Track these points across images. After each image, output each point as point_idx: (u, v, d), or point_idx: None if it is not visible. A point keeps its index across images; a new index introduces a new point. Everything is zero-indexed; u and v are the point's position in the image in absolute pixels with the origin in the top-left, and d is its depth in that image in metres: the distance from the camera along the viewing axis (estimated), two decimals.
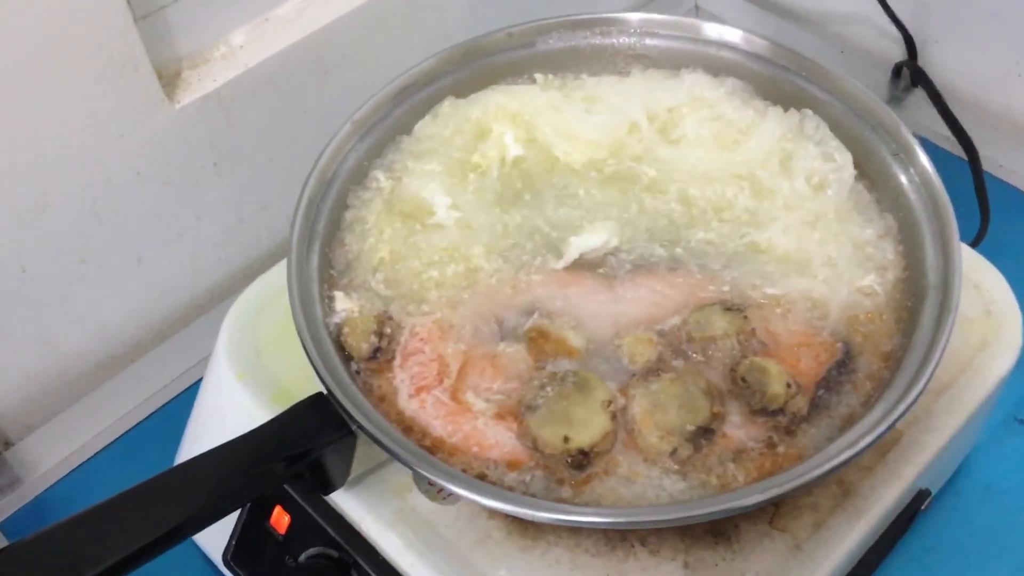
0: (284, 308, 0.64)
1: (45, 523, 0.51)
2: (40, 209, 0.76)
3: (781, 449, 0.58)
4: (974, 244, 0.86)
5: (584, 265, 0.66)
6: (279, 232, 0.95)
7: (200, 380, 0.75)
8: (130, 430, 0.85)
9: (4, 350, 0.81)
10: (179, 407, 0.85)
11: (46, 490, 0.82)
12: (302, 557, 0.63)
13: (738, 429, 0.58)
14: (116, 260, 0.84)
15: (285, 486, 0.63)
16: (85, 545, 0.52)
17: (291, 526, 0.64)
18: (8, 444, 0.85)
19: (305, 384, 0.63)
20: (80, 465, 0.84)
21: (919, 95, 1.04)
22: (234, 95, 0.83)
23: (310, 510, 0.62)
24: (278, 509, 0.65)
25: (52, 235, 0.78)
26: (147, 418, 0.86)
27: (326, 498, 0.62)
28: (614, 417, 0.58)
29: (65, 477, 0.83)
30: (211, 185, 0.87)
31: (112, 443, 0.85)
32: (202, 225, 0.88)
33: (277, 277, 0.72)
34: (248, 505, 0.67)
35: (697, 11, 1.21)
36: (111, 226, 0.81)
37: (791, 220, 0.66)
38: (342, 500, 0.63)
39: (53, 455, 0.84)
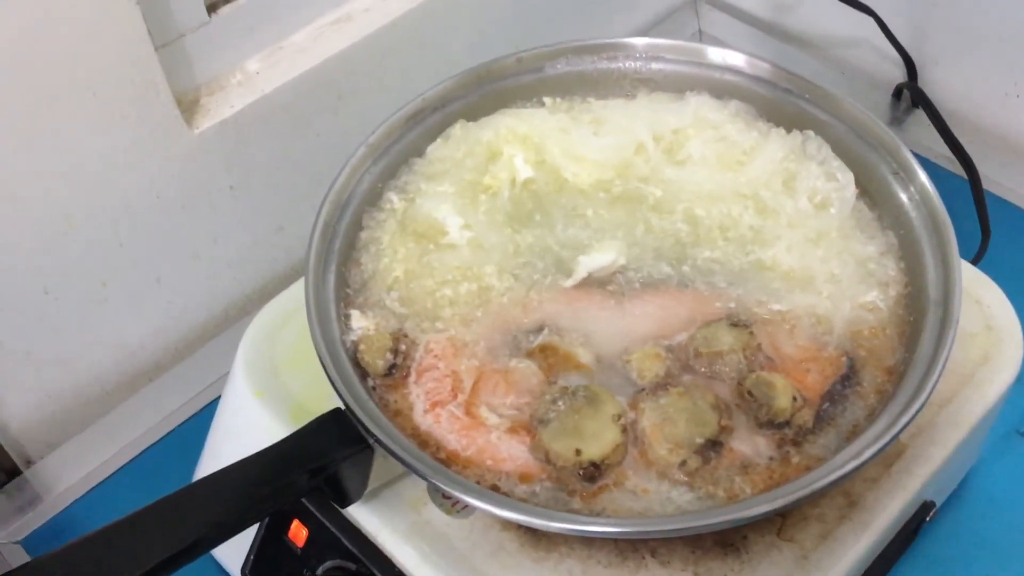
0: (300, 327, 0.66)
1: (65, 541, 0.52)
2: (63, 232, 0.78)
3: (787, 461, 0.59)
4: (975, 261, 0.87)
5: (593, 283, 0.67)
6: (294, 253, 0.97)
7: (217, 399, 0.76)
8: (149, 448, 0.86)
9: (26, 370, 0.82)
10: (197, 425, 0.86)
11: (66, 508, 0.83)
12: (320, 570, 0.64)
13: (745, 442, 0.60)
14: (136, 281, 0.86)
15: (303, 500, 0.64)
16: (106, 560, 0.53)
17: (309, 539, 0.65)
18: (29, 463, 0.87)
19: (321, 400, 0.64)
20: (100, 483, 0.85)
21: (920, 116, 1.06)
22: (250, 120, 0.85)
23: (328, 523, 0.63)
24: (296, 523, 0.66)
25: (74, 257, 0.80)
26: (165, 436, 0.87)
27: (343, 512, 0.63)
28: (624, 430, 0.60)
29: (85, 495, 0.84)
30: (227, 208, 0.88)
31: (131, 461, 0.86)
32: (219, 247, 0.90)
33: (293, 297, 0.74)
34: (266, 519, 0.68)
35: (700, 35, 1.23)
36: (131, 248, 0.83)
37: (795, 238, 0.67)
38: (359, 514, 0.64)
39: (73, 473, 0.85)
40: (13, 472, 0.86)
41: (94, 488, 0.85)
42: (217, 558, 0.76)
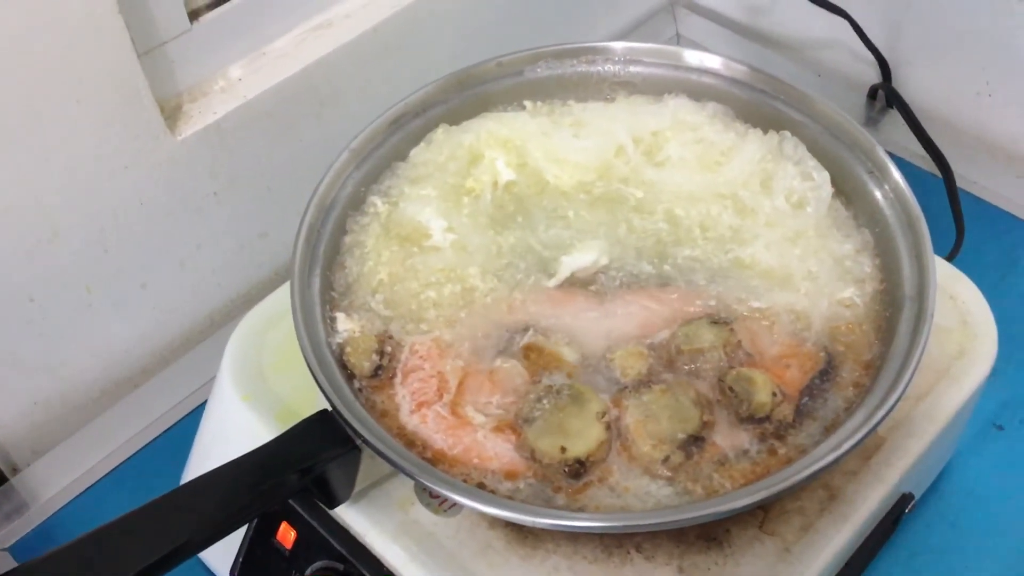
0: (286, 330, 0.66)
1: (53, 547, 0.52)
2: (49, 239, 0.78)
3: (768, 455, 0.60)
4: (950, 257, 0.88)
5: (576, 283, 0.68)
6: (278, 258, 0.97)
7: (202, 404, 0.77)
8: (135, 454, 0.87)
9: (12, 377, 0.82)
10: (183, 431, 0.86)
11: (53, 515, 0.83)
12: (308, 571, 0.65)
13: (727, 437, 0.61)
14: (121, 288, 0.86)
15: (291, 502, 0.64)
16: (94, 564, 0.53)
17: (297, 541, 0.66)
18: (15, 470, 0.87)
19: (308, 403, 0.65)
20: (86, 489, 0.85)
21: (894, 116, 1.07)
22: (233, 127, 0.86)
23: (316, 525, 0.64)
24: (284, 525, 0.66)
25: (60, 264, 0.80)
26: (151, 442, 0.87)
27: (331, 513, 0.64)
28: (608, 427, 0.60)
29: (72, 501, 0.84)
30: (212, 214, 0.89)
31: (117, 467, 0.86)
32: (203, 253, 0.90)
33: (279, 300, 0.75)
34: (255, 521, 0.68)
35: (678, 39, 1.24)
36: (116, 255, 0.84)
37: (773, 236, 0.68)
38: (346, 515, 0.64)
39: (60, 480, 0.85)
40: (0, 479, 0.86)
41: (81, 494, 0.85)
42: (205, 561, 0.76)
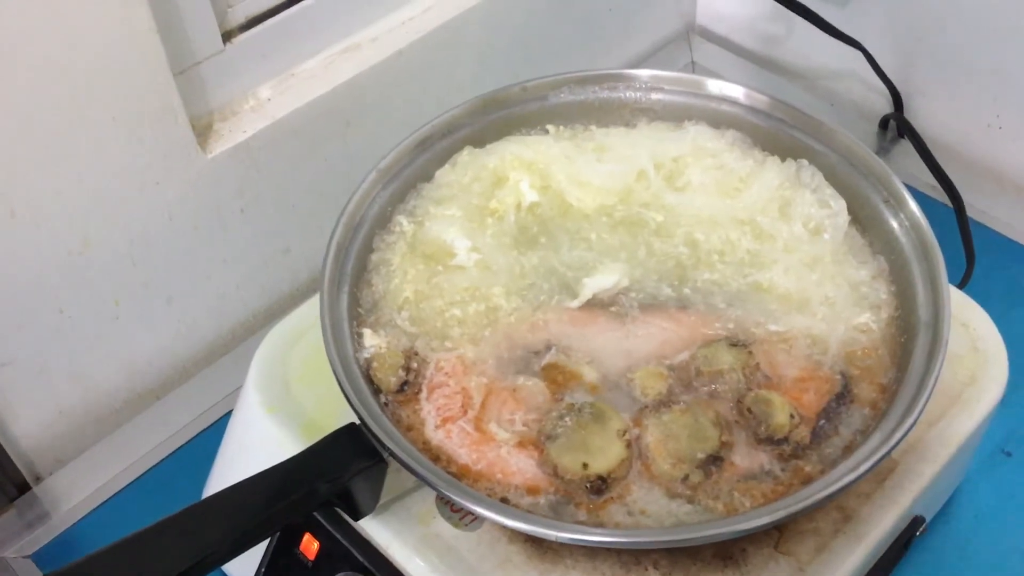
0: (311, 345, 0.67)
1: (75, 556, 0.53)
2: (80, 252, 0.80)
3: (785, 475, 0.61)
4: (960, 285, 0.90)
5: (597, 304, 0.70)
6: (300, 274, 0.99)
7: (222, 417, 0.78)
8: (157, 465, 0.88)
9: (39, 386, 0.84)
10: (203, 443, 0.88)
11: (75, 523, 0.84)
12: None
13: (745, 457, 0.62)
14: (147, 301, 0.87)
15: (315, 513, 0.65)
16: (121, 573, 0.54)
17: (320, 552, 0.66)
18: (38, 479, 0.88)
19: (332, 417, 0.66)
20: (109, 499, 0.86)
21: (905, 146, 1.09)
22: (261, 145, 0.87)
23: (339, 537, 0.65)
24: (307, 536, 0.67)
25: (89, 277, 0.81)
26: (173, 453, 0.88)
27: (354, 525, 0.65)
28: (629, 445, 0.62)
29: (94, 511, 0.85)
30: (238, 230, 0.90)
31: (140, 477, 0.87)
32: (228, 268, 0.92)
33: (304, 315, 0.76)
34: (277, 533, 0.69)
35: (693, 67, 1.26)
36: (144, 268, 0.85)
37: (791, 262, 0.70)
38: (369, 527, 0.65)
39: (82, 489, 0.86)
40: (23, 487, 0.87)
41: (102, 504, 0.86)
42: (226, 571, 0.77)
